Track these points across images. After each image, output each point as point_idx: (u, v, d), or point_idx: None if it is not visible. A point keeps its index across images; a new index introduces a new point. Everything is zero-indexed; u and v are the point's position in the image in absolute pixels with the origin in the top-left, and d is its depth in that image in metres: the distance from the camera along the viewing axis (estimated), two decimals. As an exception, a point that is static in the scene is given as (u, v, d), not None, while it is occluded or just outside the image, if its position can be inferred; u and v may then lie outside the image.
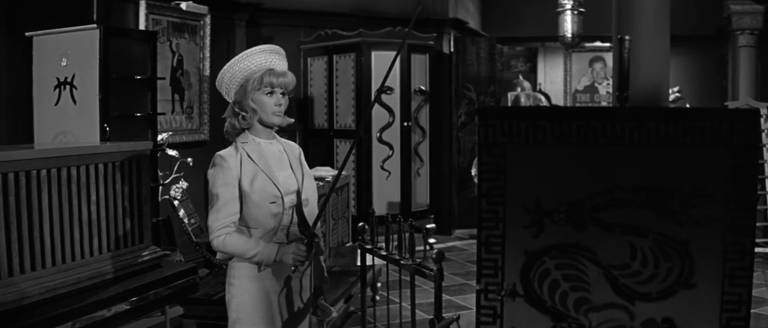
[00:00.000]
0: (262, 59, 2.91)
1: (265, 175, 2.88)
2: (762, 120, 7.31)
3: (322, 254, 3.12)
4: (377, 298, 5.46)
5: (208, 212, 2.87)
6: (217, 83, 2.97)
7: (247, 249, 2.81)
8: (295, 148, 3.14)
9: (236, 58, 2.92)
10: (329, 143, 8.28)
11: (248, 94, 2.88)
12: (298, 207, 2.97)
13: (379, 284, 5.53)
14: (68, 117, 4.96)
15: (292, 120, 3.06)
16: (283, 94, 2.93)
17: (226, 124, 2.97)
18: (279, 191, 2.89)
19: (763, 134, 7.38)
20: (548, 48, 13.12)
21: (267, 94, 2.89)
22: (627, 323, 2.45)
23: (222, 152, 2.91)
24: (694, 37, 11.44)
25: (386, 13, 8.93)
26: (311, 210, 3.03)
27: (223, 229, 2.82)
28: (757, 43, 9.83)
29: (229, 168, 2.85)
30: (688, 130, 2.41)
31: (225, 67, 2.93)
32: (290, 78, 2.95)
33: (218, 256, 2.97)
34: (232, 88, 2.92)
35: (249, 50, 2.92)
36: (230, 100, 2.96)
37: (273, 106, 2.90)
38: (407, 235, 2.98)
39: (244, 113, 2.91)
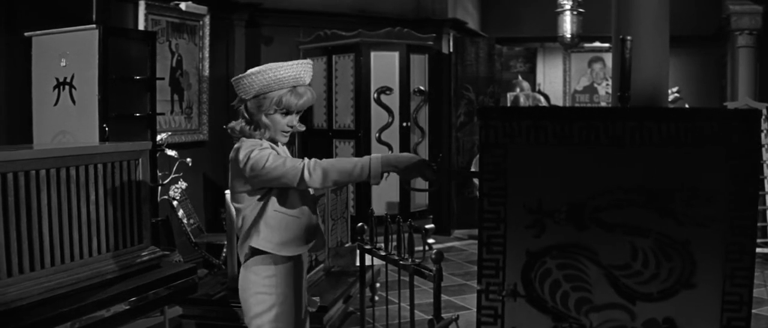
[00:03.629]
0: (288, 75, 2.80)
1: None
2: (762, 120, 7.32)
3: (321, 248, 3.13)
4: (376, 298, 5.45)
5: (271, 172, 2.71)
6: (233, 81, 2.88)
7: (350, 167, 2.71)
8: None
9: (264, 67, 2.81)
10: (328, 143, 8.27)
11: (263, 110, 2.81)
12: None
13: (378, 285, 5.52)
14: (67, 117, 4.96)
15: (303, 128, 3.00)
16: (297, 112, 2.87)
17: (237, 127, 2.87)
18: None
19: (763, 134, 7.38)
20: (547, 48, 13.13)
21: (283, 114, 2.83)
22: (628, 324, 2.44)
23: (252, 142, 2.81)
24: (694, 38, 11.45)
25: (385, 14, 8.93)
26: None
27: (303, 161, 2.70)
28: (756, 44, 9.85)
29: (268, 148, 2.79)
30: (688, 131, 2.41)
31: (248, 72, 2.83)
32: (308, 98, 2.85)
33: (261, 242, 2.83)
34: (249, 94, 2.83)
35: (278, 64, 2.81)
36: (247, 98, 2.85)
37: (285, 125, 2.85)
38: (406, 235, 2.98)
39: (255, 125, 2.84)
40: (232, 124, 2.90)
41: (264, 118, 2.81)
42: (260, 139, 2.85)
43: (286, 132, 2.87)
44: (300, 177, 2.68)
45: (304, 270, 3.04)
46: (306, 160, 2.72)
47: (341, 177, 2.73)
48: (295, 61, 2.84)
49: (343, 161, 2.74)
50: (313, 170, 2.69)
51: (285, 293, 2.85)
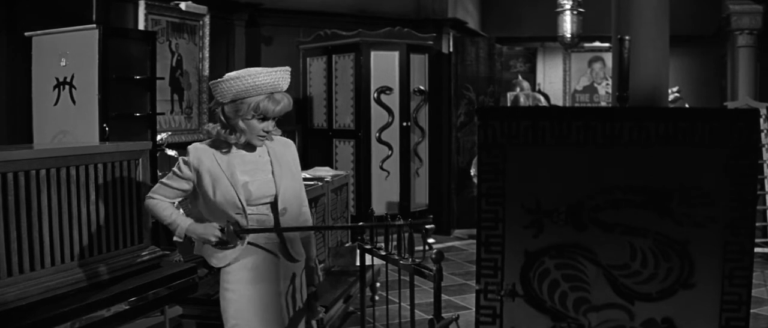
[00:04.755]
0: (266, 82, 2.82)
1: (228, 183, 2.85)
2: (761, 120, 7.32)
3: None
4: (376, 298, 5.46)
5: (156, 184, 3.03)
6: (211, 84, 2.92)
7: (166, 216, 2.95)
8: (284, 147, 3.06)
9: (243, 72, 2.84)
10: (328, 143, 8.28)
11: (240, 115, 2.83)
12: (275, 213, 2.94)
13: (378, 284, 5.53)
14: (67, 117, 4.96)
15: (280, 132, 3.02)
16: (274, 118, 2.89)
17: (214, 131, 2.91)
18: (241, 202, 2.86)
19: (763, 134, 7.38)
20: (547, 48, 13.13)
21: (259, 119, 2.85)
22: (627, 323, 2.45)
23: (192, 148, 2.93)
24: (694, 37, 11.45)
25: (385, 13, 8.93)
26: (292, 216, 2.99)
27: (159, 196, 2.98)
28: (756, 43, 9.85)
29: (191, 170, 2.90)
30: (687, 131, 2.41)
31: (226, 76, 2.86)
32: (285, 104, 2.88)
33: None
34: (225, 98, 2.85)
35: (256, 70, 2.85)
36: (224, 102, 2.87)
37: (261, 130, 2.87)
38: (406, 235, 2.98)
39: (231, 129, 2.87)
40: (209, 127, 2.94)
41: (241, 123, 2.84)
42: (235, 142, 2.88)
43: (262, 137, 2.90)
44: (146, 199, 3.04)
45: (292, 269, 3.01)
46: (156, 197, 2.99)
47: (159, 220, 3.01)
48: (274, 68, 2.86)
49: (164, 211, 2.97)
50: (148, 204, 3.00)
51: (241, 289, 2.90)
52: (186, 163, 2.91)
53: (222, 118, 2.88)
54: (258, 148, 2.97)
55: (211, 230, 2.85)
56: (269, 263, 2.94)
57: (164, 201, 2.97)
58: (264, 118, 2.85)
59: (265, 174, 2.94)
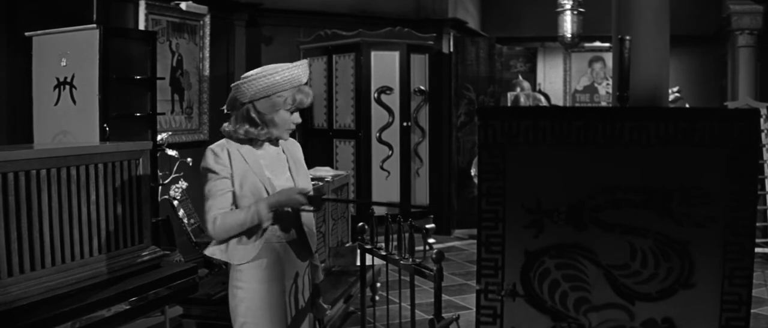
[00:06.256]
0: (296, 74, 2.88)
1: (256, 178, 2.87)
2: (762, 120, 7.31)
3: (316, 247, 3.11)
4: (377, 298, 5.46)
5: (204, 206, 2.87)
6: (241, 82, 2.89)
7: (242, 216, 2.81)
8: (295, 147, 3.12)
9: (274, 67, 2.87)
10: (328, 143, 8.28)
11: (276, 108, 2.86)
12: (296, 210, 2.98)
13: (378, 284, 5.53)
14: (68, 117, 4.96)
15: (300, 120, 3.04)
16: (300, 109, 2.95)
17: (241, 130, 2.91)
18: (269, 195, 2.89)
19: (763, 134, 7.38)
20: (548, 48, 13.12)
21: (293, 111, 2.91)
22: (627, 323, 2.45)
23: (214, 147, 2.90)
24: (694, 37, 11.45)
25: (385, 13, 8.93)
26: (307, 214, 3.04)
27: (219, 211, 2.82)
28: (757, 43, 9.85)
29: (224, 164, 2.86)
30: (687, 131, 2.41)
31: (255, 73, 2.86)
32: (312, 96, 2.98)
33: (212, 250, 2.93)
34: (258, 95, 2.85)
35: (286, 65, 2.88)
36: (261, 97, 2.87)
37: (291, 123, 2.93)
38: (407, 235, 2.98)
39: (263, 124, 2.88)
40: (234, 128, 2.91)
41: (275, 117, 2.87)
42: (267, 136, 2.91)
43: (290, 129, 2.95)
44: (206, 227, 2.86)
45: (297, 268, 3.02)
46: (213, 214, 2.82)
47: (241, 229, 2.84)
48: (294, 63, 2.90)
49: (237, 215, 2.82)
50: (215, 226, 2.82)
51: (253, 287, 2.89)
52: (217, 161, 2.86)
53: (252, 115, 2.87)
54: (276, 147, 3.01)
55: (292, 194, 2.85)
56: (280, 262, 2.96)
57: (226, 210, 2.84)
58: (295, 110, 2.91)
59: (284, 171, 3.00)
